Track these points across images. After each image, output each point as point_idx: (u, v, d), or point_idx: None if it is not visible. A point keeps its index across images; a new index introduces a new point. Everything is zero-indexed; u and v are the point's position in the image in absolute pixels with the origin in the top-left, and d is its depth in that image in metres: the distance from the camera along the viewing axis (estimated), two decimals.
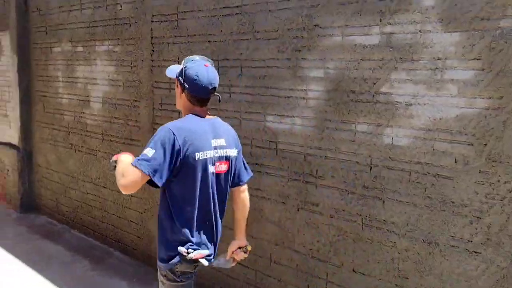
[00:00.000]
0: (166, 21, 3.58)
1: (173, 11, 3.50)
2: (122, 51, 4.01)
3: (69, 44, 4.59)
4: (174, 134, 2.06)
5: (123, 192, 2.06)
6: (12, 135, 5.44)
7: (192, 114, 2.23)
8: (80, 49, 4.48)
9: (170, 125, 2.12)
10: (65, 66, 4.69)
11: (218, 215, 2.29)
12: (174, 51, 3.54)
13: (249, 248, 2.42)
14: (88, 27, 4.33)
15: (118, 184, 2.05)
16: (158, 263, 2.22)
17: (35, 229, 4.87)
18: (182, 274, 2.20)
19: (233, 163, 2.30)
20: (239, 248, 2.40)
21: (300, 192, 2.86)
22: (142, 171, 1.99)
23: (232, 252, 2.39)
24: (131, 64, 3.94)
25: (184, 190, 2.15)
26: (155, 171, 2.01)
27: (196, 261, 2.16)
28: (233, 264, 2.45)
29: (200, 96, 2.21)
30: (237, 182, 2.38)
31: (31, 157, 5.37)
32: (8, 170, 5.51)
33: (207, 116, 2.27)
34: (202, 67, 2.19)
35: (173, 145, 2.04)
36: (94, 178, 4.51)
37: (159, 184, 2.04)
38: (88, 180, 4.58)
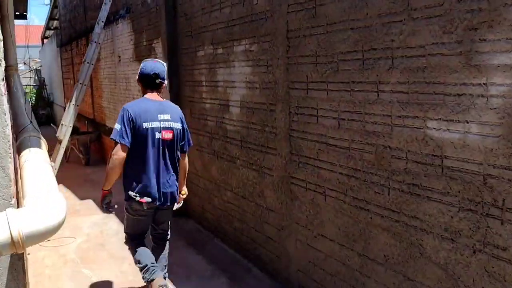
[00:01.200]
0: (303, 10, 3.05)
1: None
2: (258, 49, 3.63)
3: (211, 47, 4.42)
4: (127, 110, 3.08)
5: (115, 161, 3.03)
6: None
7: (144, 96, 3.28)
8: (220, 51, 4.27)
9: (127, 105, 3.18)
10: (208, 69, 4.55)
11: (166, 171, 3.20)
12: (312, 45, 2.99)
13: (184, 192, 3.56)
14: (226, 27, 4.08)
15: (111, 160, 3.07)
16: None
17: (183, 235, 4.86)
18: (135, 211, 3.22)
19: (177, 133, 3.23)
20: (180, 193, 3.45)
21: (477, 228, 2.04)
22: (115, 140, 3.04)
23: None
24: (267, 63, 3.53)
25: (137, 153, 3.08)
26: (122, 137, 3.02)
27: (141, 204, 3.13)
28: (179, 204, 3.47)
29: (146, 82, 3.28)
30: (181, 150, 3.33)
31: None
32: None
33: (157, 99, 3.29)
34: (149, 61, 3.38)
35: (128, 117, 3.05)
36: (234, 187, 4.26)
37: (127, 145, 3.03)
38: (229, 188, 4.36)
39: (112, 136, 3.03)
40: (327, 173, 2.97)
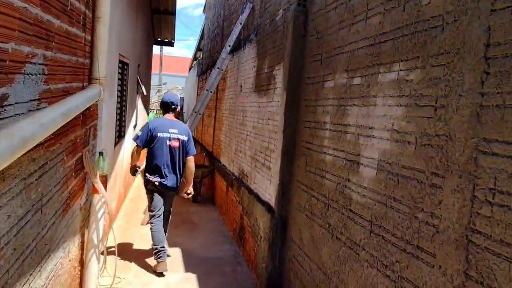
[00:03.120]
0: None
1: None
2: (422, 78, 2.14)
3: (344, 75, 3.05)
4: (149, 124, 4.82)
5: (133, 153, 4.99)
6: (271, 193, 4.30)
7: (163, 116, 4.98)
8: (356, 81, 2.86)
9: (150, 121, 4.89)
10: (335, 107, 3.17)
11: (173, 169, 4.80)
12: None
13: (189, 191, 5.03)
14: (371, 44, 2.68)
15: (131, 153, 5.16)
16: None
17: None
18: (151, 189, 4.82)
19: (183, 142, 4.84)
20: (185, 193, 5.06)
21: None
22: (135, 142, 4.78)
23: (183, 192, 5.03)
24: (436, 102, 2.01)
25: (154, 152, 4.74)
26: (140, 141, 4.73)
27: (154, 184, 4.74)
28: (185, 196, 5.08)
29: (165, 107, 5.00)
30: (186, 154, 4.87)
31: (285, 227, 4.06)
32: (261, 237, 4.39)
33: (172, 118, 4.94)
34: (167, 93, 5.37)
35: (148, 129, 4.76)
36: None
37: (141, 146, 4.75)
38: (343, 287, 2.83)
39: (133, 138, 4.88)
40: None
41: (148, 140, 4.70)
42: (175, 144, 4.73)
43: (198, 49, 18.06)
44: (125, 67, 6.54)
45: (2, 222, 1.86)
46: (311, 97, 3.67)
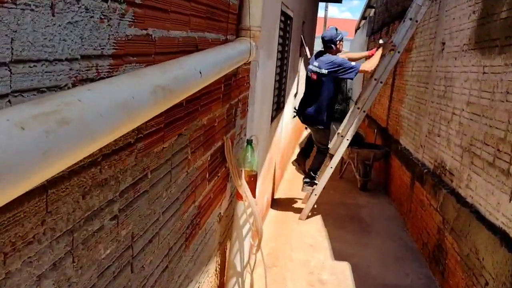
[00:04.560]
0: None
1: None
2: None
3: None
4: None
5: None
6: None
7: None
8: None
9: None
10: None
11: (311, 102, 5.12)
12: None
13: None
14: None
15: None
16: None
17: None
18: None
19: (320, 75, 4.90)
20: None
21: None
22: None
23: None
24: None
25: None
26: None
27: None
28: None
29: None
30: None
31: None
32: (486, 282, 2.75)
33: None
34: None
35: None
36: None
37: None
38: None
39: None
40: None
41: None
42: (314, 76, 4.91)
43: (368, 6, 15.98)
44: (288, 21, 5.27)
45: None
46: None
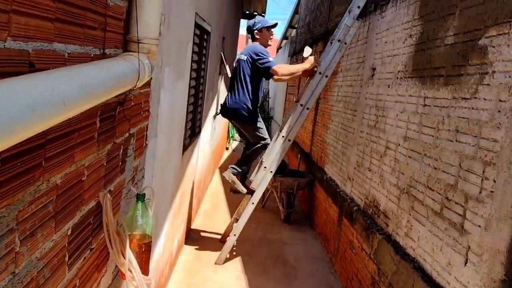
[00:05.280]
0: None
1: None
2: None
3: None
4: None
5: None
6: (464, 283, 2.14)
7: None
8: None
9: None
10: None
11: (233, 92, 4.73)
12: None
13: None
14: None
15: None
16: None
17: None
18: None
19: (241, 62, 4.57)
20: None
21: None
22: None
23: None
24: None
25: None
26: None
27: None
28: None
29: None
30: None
31: None
32: None
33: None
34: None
35: None
36: None
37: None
38: None
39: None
40: None
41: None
42: (236, 64, 4.61)
43: (290, 26, 15.95)
44: (206, 36, 4.63)
45: None
46: None
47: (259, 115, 4.74)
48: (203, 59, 4.66)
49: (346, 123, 4.97)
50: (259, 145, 4.68)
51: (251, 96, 4.53)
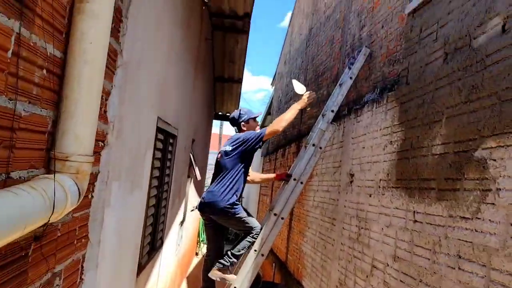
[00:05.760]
0: None
1: None
2: None
3: None
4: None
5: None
6: None
7: None
8: None
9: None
10: None
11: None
12: None
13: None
14: None
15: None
16: None
17: None
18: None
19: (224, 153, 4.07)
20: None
21: None
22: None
23: None
24: None
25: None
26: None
27: None
28: None
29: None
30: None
31: None
32: None
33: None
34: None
35: None
36: None
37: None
38: None
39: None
40: None
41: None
42: (218, 156, 4.16)
43: (262, 126, 16.12)
44: (171, 140, 4.31)
45: None
46: None
47: (241, 205, 4.15)
48: (168, 164, 4.30)
49: (325, 232, 4.55)
50: (250, 236, 4.05)
51: (235, 186, 4.01)
